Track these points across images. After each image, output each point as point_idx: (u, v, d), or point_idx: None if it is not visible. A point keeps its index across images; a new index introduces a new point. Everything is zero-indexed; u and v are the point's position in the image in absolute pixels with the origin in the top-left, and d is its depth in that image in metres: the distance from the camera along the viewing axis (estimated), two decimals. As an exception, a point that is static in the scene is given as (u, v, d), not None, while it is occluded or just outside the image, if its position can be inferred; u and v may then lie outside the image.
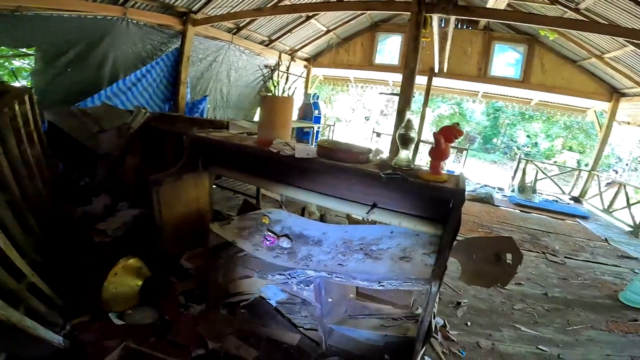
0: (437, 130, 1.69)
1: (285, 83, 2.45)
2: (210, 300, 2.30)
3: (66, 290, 2.13)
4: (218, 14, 5.96)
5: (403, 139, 1.71)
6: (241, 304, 2.35)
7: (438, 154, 1.60)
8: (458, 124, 1.61)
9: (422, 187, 1.56)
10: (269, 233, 2.02)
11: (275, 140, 2.09)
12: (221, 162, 2.40)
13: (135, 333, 1.95)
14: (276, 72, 2.67)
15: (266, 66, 2.40)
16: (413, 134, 1.68)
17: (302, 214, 3.50)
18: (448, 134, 1.57)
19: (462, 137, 1.62)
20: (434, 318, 2.15)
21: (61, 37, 4.33)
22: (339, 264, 1.64)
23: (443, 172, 1.66)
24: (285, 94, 2.45)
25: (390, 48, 10.03)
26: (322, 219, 3.67)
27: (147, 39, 5.45)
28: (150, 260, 2.36)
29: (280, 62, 2.35)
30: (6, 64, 5.48)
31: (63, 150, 3.69)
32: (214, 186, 3.93)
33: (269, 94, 2.25)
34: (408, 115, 1.72)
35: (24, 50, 4.53)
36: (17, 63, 5.60)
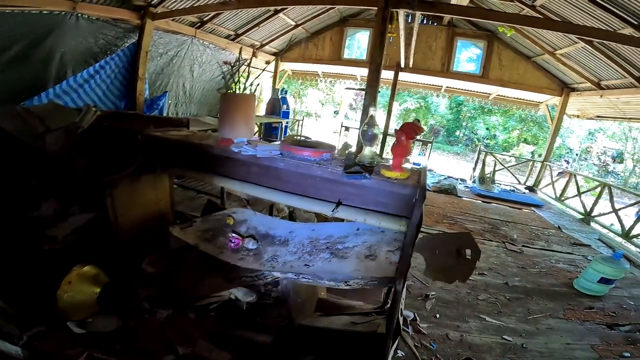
0: (398, 127, 1.70)
1: (247, 79, 2.37)
2: (177, 305, 2.21)
3: (18, 300, 2.00)
4: (180, 8, 5.68)
5: (366, 136, 1.70)
6: (210, 307, 2.26)
7: (399, 150, 1.61)
8: (419, 120, 1.65)
9: (384, 185, 1.56)
10: (234, 234, 1.97)
11: (237, 139, 2.02)
12: (181, 162, 2.29)
13: (99, 341, 1.86)
14: (241, 67, 2.58)
15: (225, 62, 2.29)
16: (376, 130, 1.68)
17: (271, 212, 3.44)
18: (409, 131, 1.59)
19: (423, 133, 1.65)
20: (401, 314, 2.19)
21: (3, 34, 3.95)
22: (305, 265, 1.63)
23: (406, 167, 1.67)
24: (248, 91, 2.37)
25: (359, 43, 10.09)
26: (291, 216, 3.63)
27: (100, 33, 5.09)
28: (110, 266, 2.25)
29: (240, 58, 2.24)
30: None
31: (8, 152, 3.39)
32: (176, 186, 3.79)
33: (229, 91, 2.15)
34: (371, 111, 1.71)
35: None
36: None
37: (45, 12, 4.22)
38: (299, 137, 2.06)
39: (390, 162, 1.70)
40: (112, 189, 2.19)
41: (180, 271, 2.18)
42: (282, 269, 1.65)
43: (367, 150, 1.75)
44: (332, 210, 1.65)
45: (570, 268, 4.09)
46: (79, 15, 4.59)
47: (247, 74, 2.41)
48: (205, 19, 6.56)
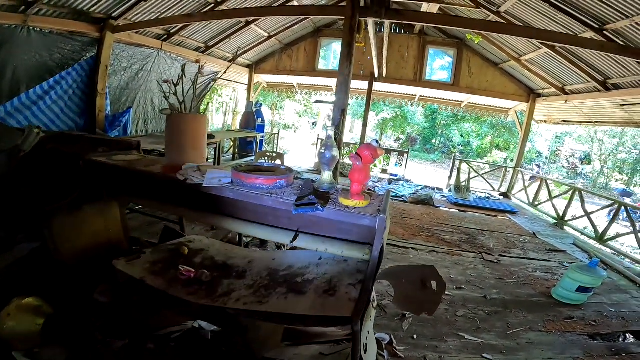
0: (370, 140, 1.56)
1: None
2: (134, 335, 2.01)
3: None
4: (144, 20, 5.46)
5: (324, 158, 1.55)
6: (172, 336, 2.10)
7: (357, 176, 1.46)
8: (377, 141, 1.50)
9: (341, 215, 1.43)
10: (185, 267, 1.78)
11: (185, 165, 1.83)
12: (128, 189, 2.11)
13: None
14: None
15: (165, 81, 2.08)
16: (335, 152, 1.53)
17: (240, 238, 3.25)
18: (366, 155, 1.44)
19: (382, 155, 1.51)
20: (375, 336, 2.03)
21: None
22: (259, 301, 1.47)
23: (366, 193, 1.53)
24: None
25: (335, 54, 10.09)
26: (262, 244, 3.46)
27: (55, 47, 4.82)
28: (57, 297, 2.07)
29: (182, 76, 2.04)
30: None
31: None
32: (133, 212, 3.54)
33: (173, 112, 1.95)
34: (329, 131, 1.57)
35: None
36: None
37: None
38: (255, 163, 1.92)
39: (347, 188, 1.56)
40: (49, 220, 2.03)
41: (132, 303, 2.00)
42: (235, 306, 1.47)
43: (326, 175, 1.62)
44: (290, 242, 1.50)
45: (547, 276, 4.06)
46: (31, 28, 4.35)
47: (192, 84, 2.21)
48: (172, 31, 6.35)
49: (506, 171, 9.84)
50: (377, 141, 1.49)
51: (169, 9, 5.61)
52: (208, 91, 8.46)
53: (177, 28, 6.29)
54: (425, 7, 5.88)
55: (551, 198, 7.58)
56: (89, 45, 5.19)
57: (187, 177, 1.69)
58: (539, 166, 17.53)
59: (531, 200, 8.19)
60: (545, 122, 9.25)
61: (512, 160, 13.32)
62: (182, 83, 2.00)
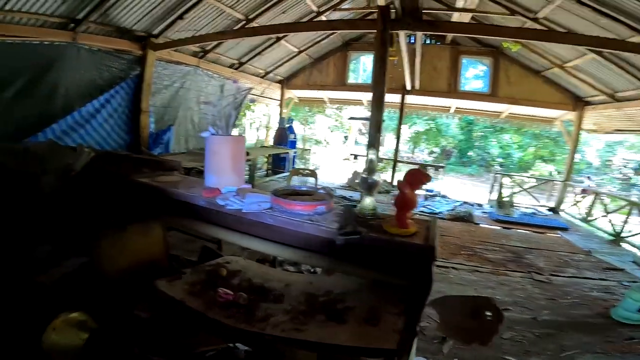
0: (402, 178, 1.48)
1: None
2: (171, 352, 2.02)
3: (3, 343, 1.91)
4: (182, 38, 5.70)
5: (365, 184, 1.51)
6: (207, 355, 2.07)
7: (404, 203, 1.39)
8: (424, 166, 1.42)
9: (386, 243, 1.36)
10: (224, 289, 1.77)
11: (224, 189, 1.85)
12: (170, 210, 2.17)
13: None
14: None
15: (205, 103, 2.15)
16: (377, 177, 1.48)
17: (274, 259, 3.22)
18: (414, 181, 1.36)
19: (430, 181, 1.42)
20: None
21: (5, 66, 3.95)
22: (297, 329, 1.40)
23: (411, 221, 1.45)
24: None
25: (364, 67, 10.09)
26: (296, 263, 3.40)
27: (104, 65, 5.06)
28: (101, 312, 2.12)
29: (221, 97, 2.07)
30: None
31: (8, 192, 3.33)
32: (172, 230, 3.63)
33: (213, 134, 1.98)
34: (371, 155, 1.53)
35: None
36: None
37: (46, 42, 4.22)
38: (292, 186, 1.95)
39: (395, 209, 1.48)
40: (96, 240, 2.13)
41: (171, 321, 2.02)
42: (273, 332, 1.42)
43: (368, 200, 1.57)
44: (327, 269, 1.44)
45: (606, 296, 3.74)
46: (80, 46, 4.57)
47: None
48: (207, 48, 6.60)
49: (554, 185, 9.20)
50: (424, 166, 1.41)
51: (203, 27, 5.87)
52: (243, 107, 8.66)
53: (212, 45, 6.54)
54: (456, 17, 5.73)
55: (607, 213, 6.97)
56: (134, 63, 5.44)
57: (227, 201, 1.72)
58: (589, 178, 16.29)
59: (584, 216, 7.57)
60: (595, 131, 8.58)
61: (559, 173, 12.50)
62: (222, 104, 2.03)
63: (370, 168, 1.50)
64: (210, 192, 1.88)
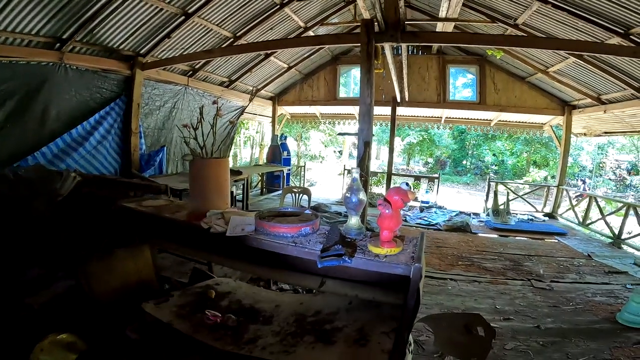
0: (383, 195, 1.46)
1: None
2: None
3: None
4: (169, 57, 5.72)
5: (350, 203, 1.46)
6: None
7: (387, 223, 1.34)
8: (407, 184, 1.39)
9: (370, 264, 1.32)
10: (212, 311, 1.73)
11: (209, 212, 1.81)
12: (157, 234, 2.16)
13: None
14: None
15: (184, 126, 2.10)
16: (362, 196, 1.44)
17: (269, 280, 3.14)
18: (396, 199, 1.32)
19: (414, 198, 1.37)
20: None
21: None
22: (286, 351, 1.36)
23: (397, 239, 1.41)
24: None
25: (355, 80, 10.15)
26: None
27: (93, 86, 5.00)
28: (91, 333, 2.10)
29: (200, 119, 2.05)
30: None
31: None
32: (161, 251, 3.57)
33: (194, 157, 1.95)
34: (354, 173, 1.49)
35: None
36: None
37: (33, 62, 4.19)
38: (279, 208, 1.88)
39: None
40: (84, 264, 2.12)
41: (159, 343, 1.96)
42: (261, 355, 1.38)
43: (354, 220, 1.52)
44: (316, 289, 1.39)
45: (610, 300, 3.66)
46: (67, 66, 4.53)
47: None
48: (196, 67, 6.60)
49: (549, 190, 9.19)
50: (407, 184, 1.37)
51: (191, 45, 5.88)
52: (236, 127, 8.62)
53: (201, 63, 6.55)
54: (440, 27, 5.81)
55: (603, 216, 6.94)
56: (124, 83, 5.39)
57: (211, 225, 1.68)
58: (584, 181, 16.34)
59: (581, 220, 7.53)
60: (585, 135, 8.67)
61: (553, 177, 12.54)
62: (202, 126, 2.00)
63: (355, 187, 1.45)
64: (195, 216, 1.86)
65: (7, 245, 3.25)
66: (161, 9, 4.79)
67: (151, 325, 1.91)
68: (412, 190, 1.37)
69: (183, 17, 5.17)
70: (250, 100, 8.24)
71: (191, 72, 6.64)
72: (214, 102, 2.58)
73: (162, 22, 5.07)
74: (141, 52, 5.37)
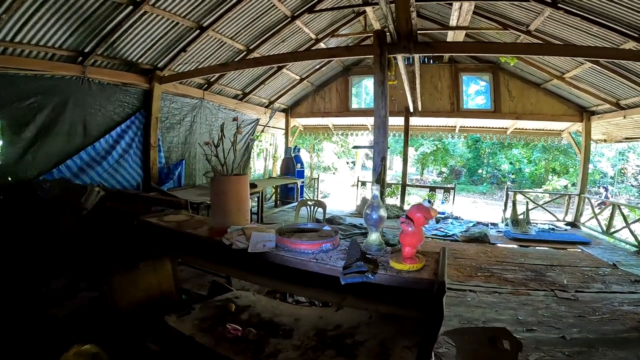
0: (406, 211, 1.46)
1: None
2: None
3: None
4: (185, 70, 5.88)
5: (370, 220, 1.48)
6: None
7: (409, 240, 1.35)
8: (429, 200, 1.39)
9: (393, 280, 1.32)
10: (232, 325, 1.77)
11: (230, 228, 1.86)
12: (178, 248, 2.22)
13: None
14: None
15: (206, 143, 2.18)
16: (382, 213, 1.46)
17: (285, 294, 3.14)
18: (418, 216, 1.33)
19: (435, 215, 1.38)
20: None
21: (24, 100, 4.06)
22: None
23: (420, 255, 1.41)
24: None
25: (366, 90, 10.17)
26: None
27: (116, 100, 5.16)
28: (112, 344, 2.15)
29: (221, 137, 2.11)
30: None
31: (29, 227, 3.40)
32: (182, 265, 3.63)
33: (215, 174, 2.00)
34: (374, 190, 1.51)
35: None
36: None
37: (57, 76, 4.36)
38: (298, 225, 1.92)
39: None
40: (108, 277, 2.19)
41: (181, 356, 1.98)
42: None
43: (374, 236, 1.53)
44: (336, 310, 1.38)
45: (638, 309, 3.52)
46: (90, 80, 4.69)
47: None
48: (211, 80, 6.75)
49: (570, 198, 8.94)
50: (429, 201, 1.38)
51: (206, 59, 6.05)
52: (253, 139, 8.72)
53: (216, 76, 6.70)
54: (450, 35, 5.80)
55: (628, 224, 6.69)
56: (143, 97, 5.54)
57: (232, 241, 1.72)
58: (606, 189, 15.80)
59: (605, 228, 7.27)
60: (605, 141, 8.43)
61: (573, 185, 12.19)
62: (222, 143, 2.05)
63: (375, 204, 1.47)
64: (217, 232, 1.90)
65: (32, 256, 3.37)
66: (177, 23, 4.95)
67: (171, 337, 1.94)
68: (433, 207, 1.38)
69: (198, 31, 5.34)
70: (271, 117, 8.37)
71: (206, 85, 6.80)
72: (234, 119, 2.65)
73: (178, 35, 5.24)
74: (159, 65, 5.54)
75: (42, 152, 4.28)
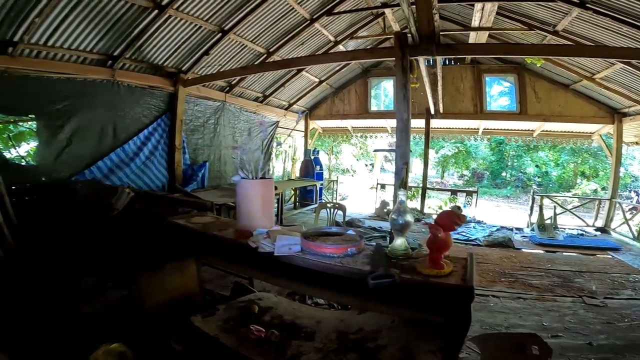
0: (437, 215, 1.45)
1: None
2: None
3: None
4: (208, 74, 6.01)
5: (396, 225, 1.48)
6: None
7: (437, 246, 1.35)
8: (459, 207, 1.39)
9: (420, 285, 1.33)
10: (255, 326, 1.81)
11: (255, 231, 1.89)
12: (204, 250, 2.27)
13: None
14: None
15: (234, 148, 2.26)
16: (409, 218, 1.46)
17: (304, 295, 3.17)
18: (447, 222, 1.33)
19: (464, 221, 1.37)
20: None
21: (57, 103, 4.22)
22: None
23: (447, 261, 1.41)
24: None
25: (385, 92, 10.09)
26: None
27: (144, 103, 5.33)
28: (139, 344, 2.20)
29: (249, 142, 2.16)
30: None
31: (55, 225, 3.55)
32: (206, 265, 3.72)
33: (242, 177, 2.04)
34: (401, 195, 1.51)
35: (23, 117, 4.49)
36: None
37: (89, 79, 4.52)
38: (322, 228, 1.94)
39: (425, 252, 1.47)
40: (136, 277, 2.26)
41: (204, 356, 2.04)
42: None
43: (399, 242, 1.54)
44: (359, 313, 1.40)
45: None
46: (119, 83, 4.86)
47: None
48: (233, 83, 6.89)
49: (600, 203, 8.57)
50: (458, 207, 1.38)
51: (228, 62, 6.19)
52: (273, 144, 8.83)
53: (237, 79, 6.83)
54: (473, 37, 5.67)
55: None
56: (168, 99, 5.70)
57: (258, 244, 1.76)
58: (637, 193, 15.02)
59: (636, 234, 6.93)
60: (637, 143, 8.02)
61: (603, 189, 11.67)
62: (250, 150, 2.10)
63: (402, 210, 1.47)
64: (242, 235, 1.94)
65: (64, 255, 3.51)
66: (200, 27, 5.08)
67: (194, 338, 2.00)
68: (462, 214, 1.38)
69: (220, 34, 5.47)
70: (298, 121, 8.47)
71: (228, 87, 6.94)
72: (261, 123, 2.69)
73: (201, 39, 5.38)
74: (183, 68, 5.70)
75: (75, 153, 4.44)
